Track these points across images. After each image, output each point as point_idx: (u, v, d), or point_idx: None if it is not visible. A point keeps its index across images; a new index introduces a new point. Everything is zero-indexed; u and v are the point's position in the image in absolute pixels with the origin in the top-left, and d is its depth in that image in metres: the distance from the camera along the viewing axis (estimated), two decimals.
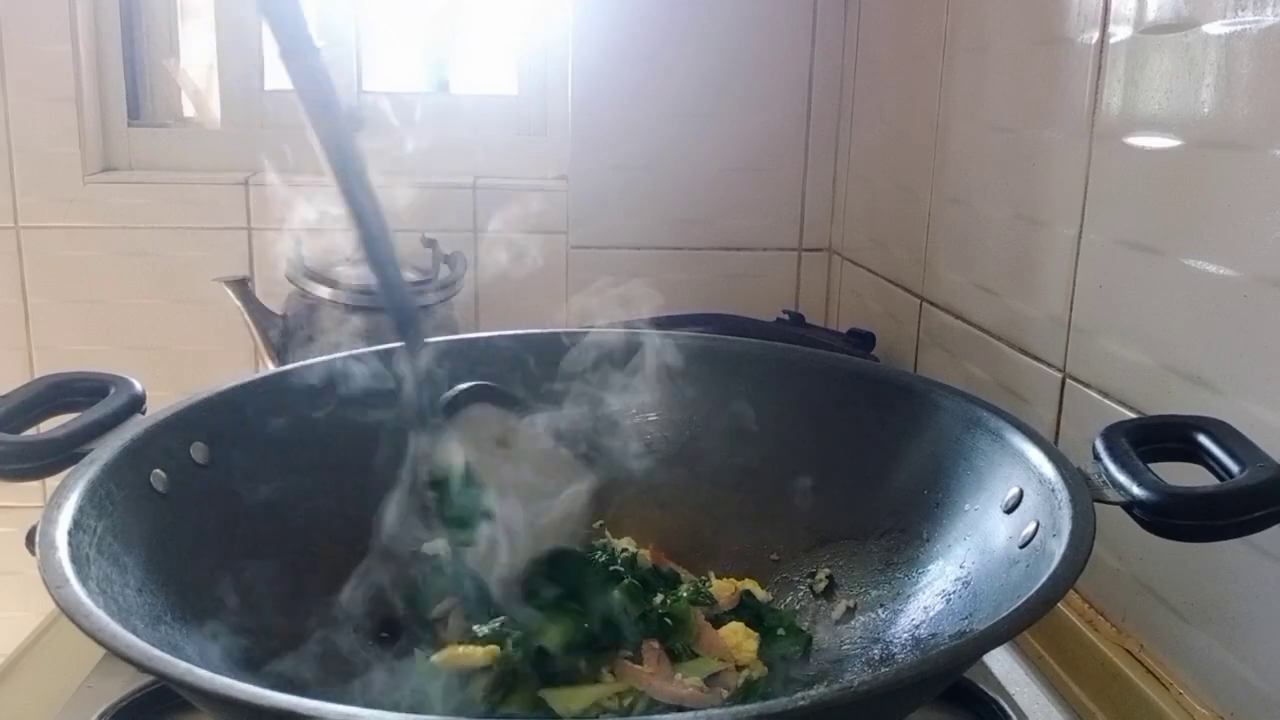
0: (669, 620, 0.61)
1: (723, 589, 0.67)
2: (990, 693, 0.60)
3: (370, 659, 0.61)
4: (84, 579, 0.44)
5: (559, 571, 0.62)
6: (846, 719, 0.39)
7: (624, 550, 0.69)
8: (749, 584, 0.69)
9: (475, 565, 0.59)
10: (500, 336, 0.76)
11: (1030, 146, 0.82)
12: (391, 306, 0.60)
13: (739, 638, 0.62)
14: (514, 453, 0.62)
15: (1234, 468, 0.49)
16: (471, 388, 0.63)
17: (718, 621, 0.64)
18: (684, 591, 0.67)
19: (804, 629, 0.65)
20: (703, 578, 0.70)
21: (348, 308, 1.11)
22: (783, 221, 1.34)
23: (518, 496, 0.61)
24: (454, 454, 0.60)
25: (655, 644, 0.60)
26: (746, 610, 0.66)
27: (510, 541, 0.59)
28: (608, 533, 0.73)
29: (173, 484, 0.56)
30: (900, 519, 0.63)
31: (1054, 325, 0.77)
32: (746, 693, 0.59)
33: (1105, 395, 0.71)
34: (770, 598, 0.68)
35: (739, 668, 0.61)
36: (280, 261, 1.13)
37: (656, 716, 0.54)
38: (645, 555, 0.70)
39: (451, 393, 0.61)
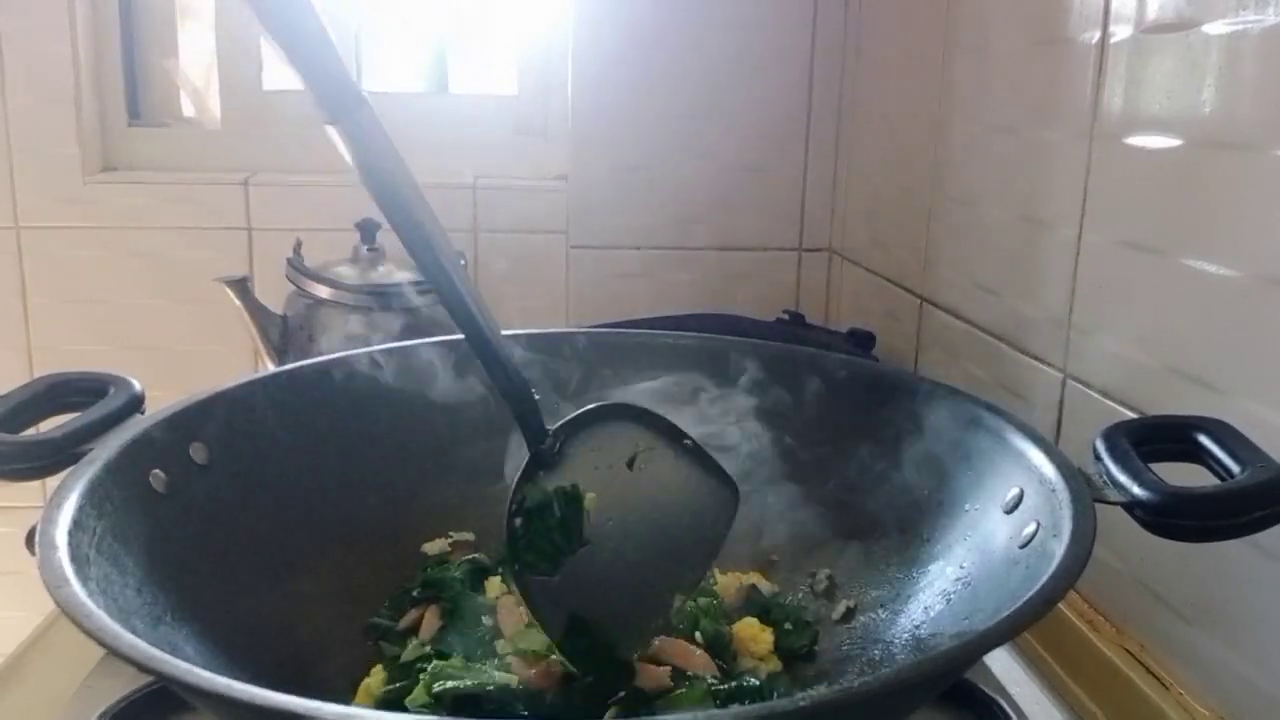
0: (699, 634, 0.61)
1: (728, 585, 0.67)
2: (990, 693, 0.60)
3: (371, 658, 0.61)
4: (84, 579, 0.44)
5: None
6: (847, 719, 0.39)
7: None
8: (754, 578, 0.69)
9: (545, 599, 0.54)
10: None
11: (1030, 146, 0.82)
12: (508, 396, 0.53)
13: (754, 631, 0.63)
14: (644, 476, 0.56)
15: (1234, 468, 0.49)
16: (600, 407, 0.56)
17: (729, 619, 0.64)
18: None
19: (810, 623, 0.65)
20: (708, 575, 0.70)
21: (348, 308, 1.11)
22: (783, 221, 1.34)
23: (636, 525, 0.56)
24: (562, 477, 0.54)
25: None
26: (754, 606, 0.66)
27: (609, 573, 0.55)
28: None
29: (172, 484, 0.56)
30: (900, 519, 0.63)
31: (1054, 325, 0.77)
32: (769, 686, 0.58)
33: (1105, 395, 0.71)
34: (776, 589, 0.68)
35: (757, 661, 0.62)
36: (280, 262, 1.13)
37: (657, 716, 0.54)
38: None
39: (577, 413, 0.55)
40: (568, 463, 0.54)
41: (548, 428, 0.54)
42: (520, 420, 0.53)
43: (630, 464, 0.56)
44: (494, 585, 0.66)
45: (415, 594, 0.66)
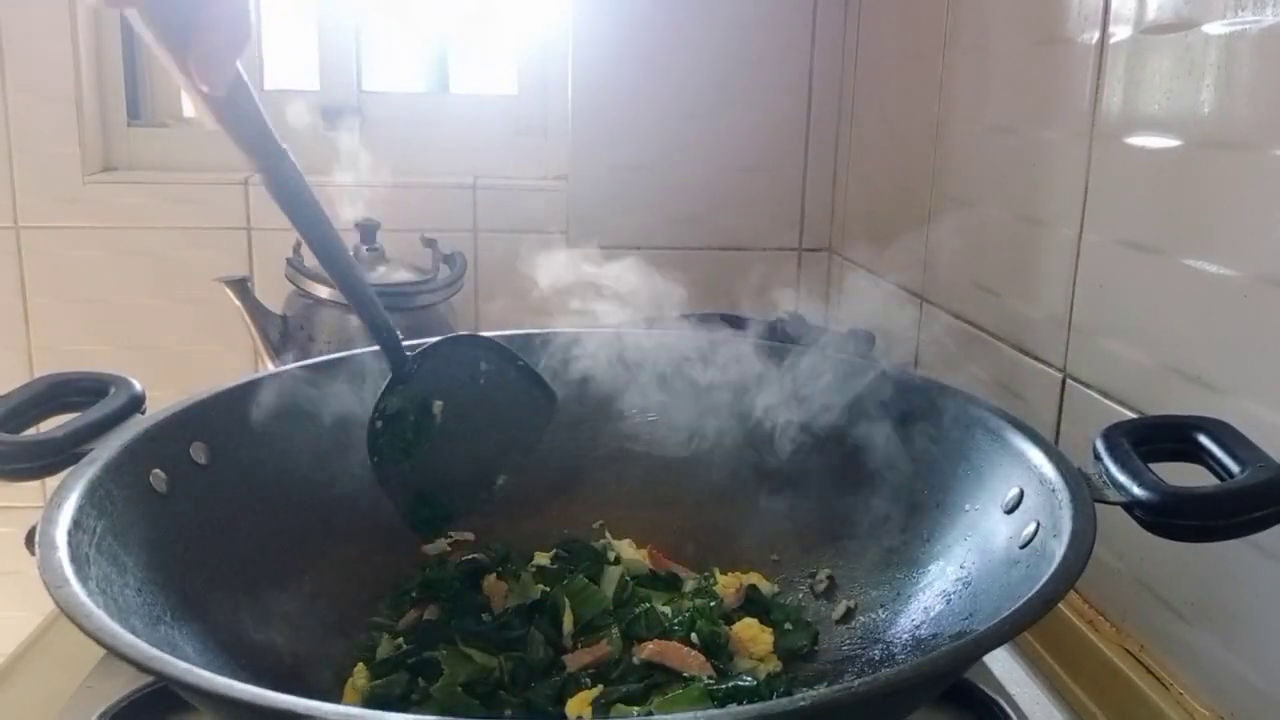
0: (697, 636, 0.62)
1: (727, 585, 0.68)
2: (990, 693, 0.60)
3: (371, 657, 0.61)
4: (84, 579, 0.44)
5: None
6: (847, 719, 0.39)
7: (617, 556, 0.70)
8: (754, 578, 0.69)
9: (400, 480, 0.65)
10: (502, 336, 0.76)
11: (1030, 146, 0.82)
12: (375, 332, 0.64)
13: (753, 632, 0.63)
14: (483, 387, 0.68)
15: (1234, 468, 0.49)
16: (453, 336, 0.69)
17: (729, 619, 0.64)
18: (689, 590, 0.67)
19: (810, 622, 0.65)
20: (706, 574, 0.70)
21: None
22: (783, 221, 1.34)
23: (475, 423, 0.68)
24: (415, 390, 0.66)
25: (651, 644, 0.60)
26: (754, 606, 0.66)
27: (451, 461, 0.67)
28: (608, 534, 0.73)
29: (173, 484, 0.56)
30: (900, 519, 0.63)
31: (1054, 325, 0.77)
32: (768, 686, 0.59)
33: (1105, 395, 0.71)
34: (776, 589, 0.68)
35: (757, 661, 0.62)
36: (280, 262, 1.13)
37: (657, 716, 0.54)
38: (643, 557, 0.71)
39: (430, 342, 0.67)
40: (423, 378, 0.66)
41: (407, 354, 0.65)
42: (384, 345, 0.64)
43: (472, 379, 0.68)
44: (491, 583, 0.66)
45: (413, 594, 0.66)
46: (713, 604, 0.64)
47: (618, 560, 0.69)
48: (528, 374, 0.70)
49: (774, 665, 0.62)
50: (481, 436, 0.68)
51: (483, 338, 0.70)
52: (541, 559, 0.71)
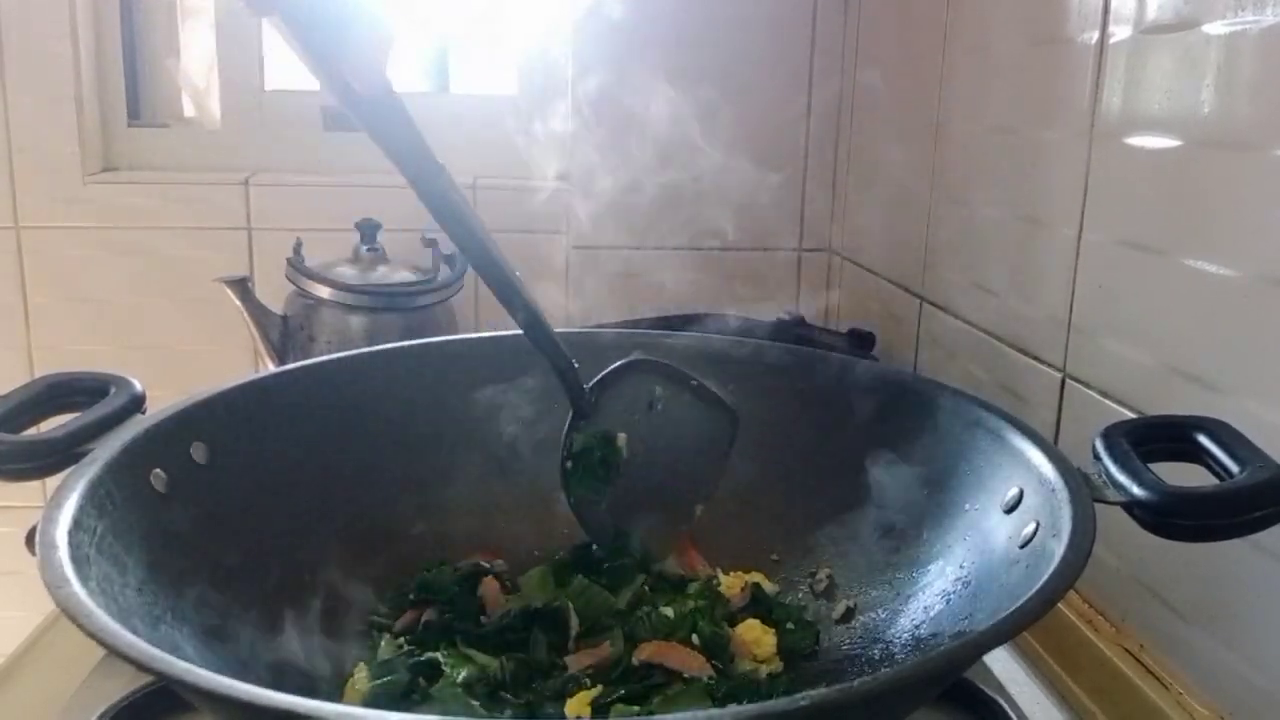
0: (699, 638, 0.61)
1: (731, 585, 0.68)
2: (990, 693, 0.60)
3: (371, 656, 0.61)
4: (84, 579, 0.44)
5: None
6: (846, 719, 0.39)
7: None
8: (757, 577, 0.69)
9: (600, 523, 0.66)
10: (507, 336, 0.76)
11: (1030, 146, 0.82)
12: (556, 365, 0.63)
13: (757, 633, 0.63)
14: (662, 415, 0.67)
15: (1234, 468, 0.49)
16: (624, 365, 0.67)
17: (732, 620, 0.64)
18: (692, 592, 0.67)
19: (812, 622, 0.65)
20: (711, 575, 0.70)
21: (348, 308, 1.11)
22: (783, 221, 1.34)
23: (661, 453, 0.67)
24: (598, 424, 0.66)
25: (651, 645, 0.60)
26: (757, 605, 0.66)
27: (646, 496, 0.66)
28: None
29: (173, 484, 0.56)
30: (900, 519, 0.63)
31: (1054, 325, 0.77)
32: (770, 687, 0.59)
33: (1105, 395, 0.71)
34: (778, 589, 0.68)
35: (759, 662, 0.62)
36: (280, 262, 1.13)
37: (657, 716, 0.54)
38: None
39: (606, 371, 0.66)
40: (601, 413, 0.66)
41: (584, 387, 0.65)
42: (565, 383, 0.64)
43: (650, 406, 0.67)
44: (487, 587, 0.66)
45: (411, 596, 0.66)
46: (716, 605, 0.64)
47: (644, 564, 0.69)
48: (704, 394, 0.68)
49: (776, 666, 0.62)
50: (670, 465, 0.68)
51: (654, 361, 0.68)
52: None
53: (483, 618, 0.64)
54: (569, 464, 0.65)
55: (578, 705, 0.55)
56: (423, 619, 0.63)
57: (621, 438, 0.67)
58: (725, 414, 0.68)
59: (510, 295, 0.61)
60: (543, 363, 0.72)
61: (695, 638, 0.61)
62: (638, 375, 0.67)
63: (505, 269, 0.61)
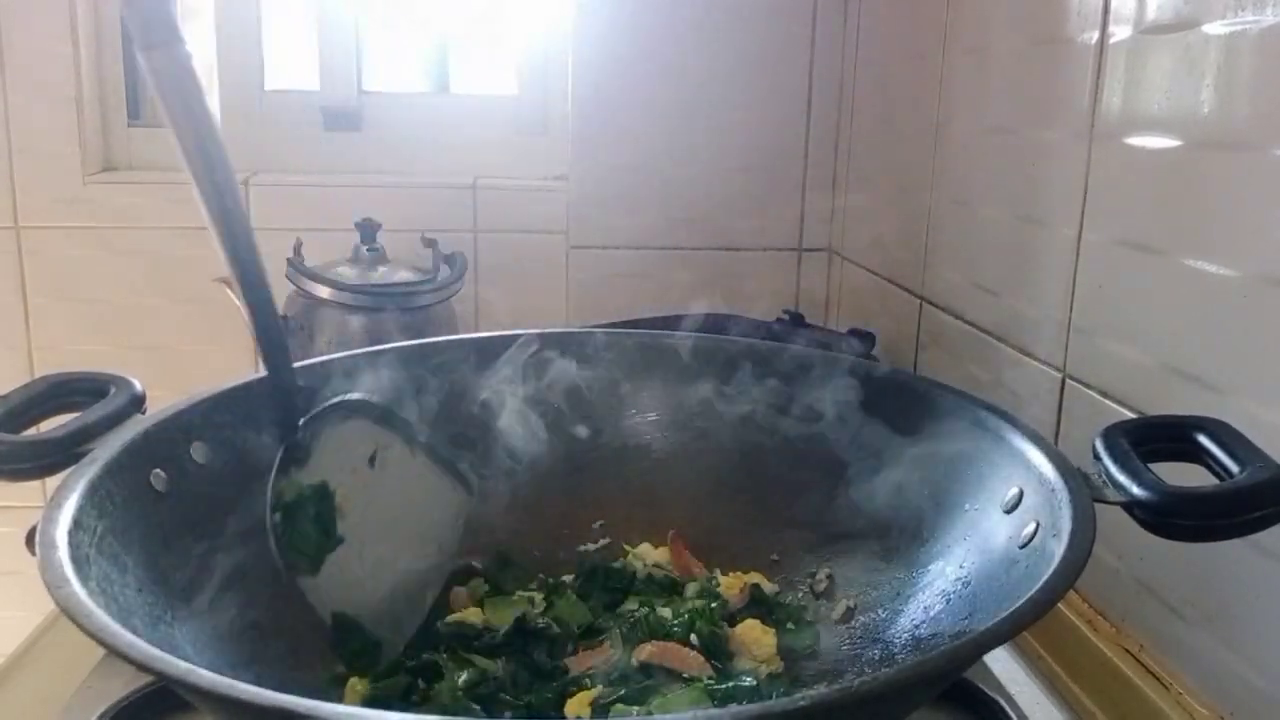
0: (698, 639, 0.62)
1: (730, 585, 0.68)
2: (990, 693, 0.60)
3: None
4: (84, 579, 0.44)
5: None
6: (846, 719, 0.39)
7: (648, 564, 0.70)
8: (755, 577, 0.69)
9: (314, 597, 0.55)
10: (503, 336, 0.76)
11: (1030, 146, 0.82)
12: (261, 334, 0.53)
13: (756, 634, 0.63)
14: (385, 474, 0.57)
15: (1234, 468, 0.49)
16: (342, 402, 0.58)
17: (731, 620, 0.64)
18: (691, 594, 0.67)
19: (812, 622, 0.65)
20: (709, 575, 0.70)
21: (348, 308, 1.11)
22: (783, 221, 1.34)
23: (380, 522, 0.57)
24: (313, 474, 0.55)
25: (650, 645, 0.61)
26: (756, 606, 0.66)
27: (363, 572, 0.56)
28: (625, 545, 0.73)
29: (173, 484, 0.56)
30: (900, 519, 0.63)
31: (1054, 325, 0.77)
32: (769, 687, 0.59)
33: (1105, 395, 0.71)
34: (777, 589, 0.68)
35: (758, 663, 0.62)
36: (280, 261, 1.13)
37: (657, 716, 0.54)
38: (665, 555, 0.71)
39: (321, 406, 0.56)
40: (315, 459, 0.55)
41: (299, 420, 0.55)
42: (278, 408, 0.54)
43: (371, 461, 0.57)
44: (456, 594, 0.66)
45: None
46: (714, 605, 0.64)
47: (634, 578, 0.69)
48: (434, 456, 0.59)
49: (776, 666, 0.62)
50: (393, 538, 0.58)
51: (376, 405, 0.59)
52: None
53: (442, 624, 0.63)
54: (277, 518, 0.53)
55: (577, 706, 0.56)
56: None
57: (340, 492, 0.56)
58: (458, 482, 0.59)
59: (244, 254, 0.50)
60: (546, 364, 0.73)
61: (694, 638, 0.61)
62: (358, 420, 0.57)
63: (243, 218, 0.50)
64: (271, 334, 0.52)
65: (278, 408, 0.54)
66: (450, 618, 0.64)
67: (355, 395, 0.58)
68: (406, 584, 0.59)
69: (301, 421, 0.55)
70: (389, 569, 0.58)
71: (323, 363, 0.68)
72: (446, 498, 0.60)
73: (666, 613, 0.64)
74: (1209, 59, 0.60)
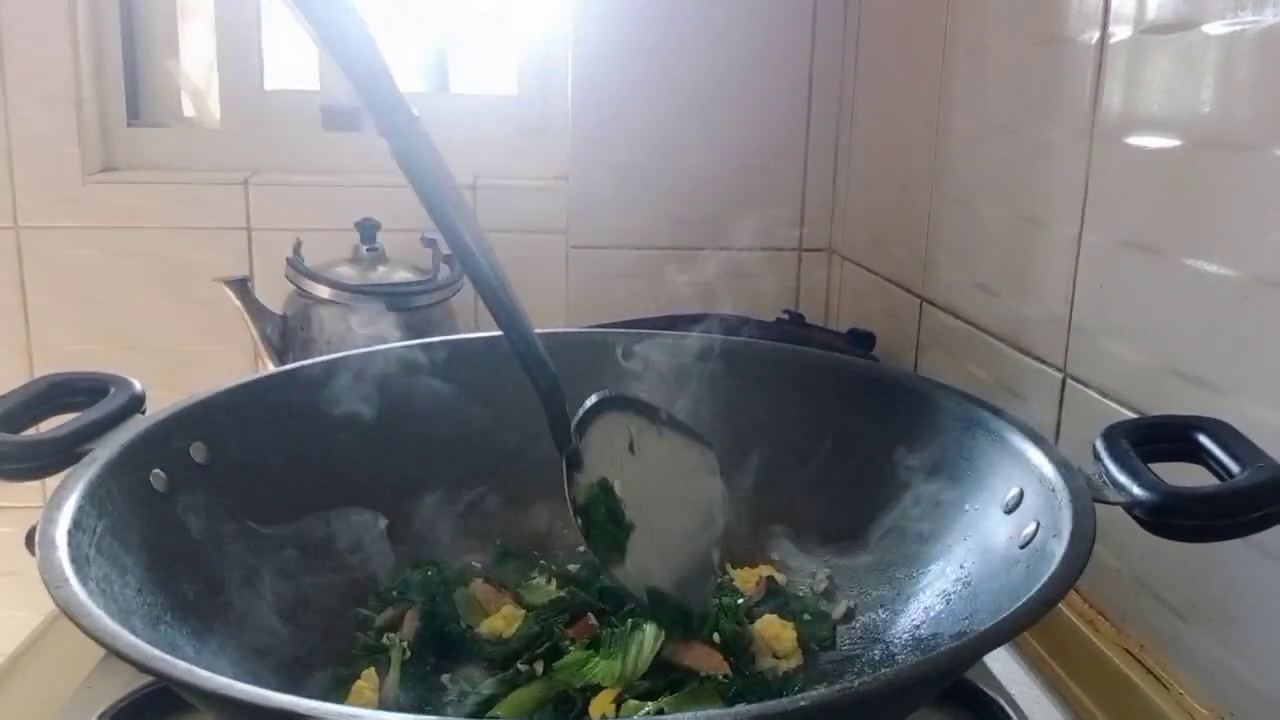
0: (718, 635, 0.61)
1: (745, 579, 0.67)
2: (990, 693, 0.60)
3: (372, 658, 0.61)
4: (84, 579, 0.44)
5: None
6: (847, 719, 0.39)
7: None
8: (767, 569, 0.69)
9: (629, 582, 0.59)
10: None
11: (1030, 146, 0.82)
12: (522, 359, 0.56)
13: (776, 629, 0.63)
14: (645, 456, 0.61)
15: (1234, 468, 0.49)
16: (597, 402, 0.60)
17: (749, 615, 0.64)
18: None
19: (827, 612, 0.65)
20: (721, 570, 0.70)
21: (348, 308, 1.11)
22: (783, 221, 1.34)
23: (656, 500, 0.61)
24: (591, 474, 0.59)
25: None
26: (773, 599, 0.66)
27: (656, 549, 0.60)
28: None
29: (173, 484, 0.56)
30: (900, 519, 0.63)
31: (1054, 325, 0.77)
32: (784, 684, 0.59)
33: (1105, 395, 0.71)
34: (788, 581, 0.68)
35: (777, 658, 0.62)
36: (280, 262, 1.13)
37: (656, 717, 0.54)
38: None
39: (581, 412, 0.59)
40: (589, 461, 0.58)
41: (571, 437, 0.58)
42: (552, 424, 0.57)
43: (631, 448, 0.61)
44: (478, 585, 0.66)
45: (394, 593, 0.66)
46: (739, 601, 0.64)
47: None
48: (677, 426, 0.62)
49: (796, 661, 0.62)
50: (671, 510, 0.61)
51: (621, 397, 0.62)
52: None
53: (471, 627, 0.64)
54: (580, 522, 0.58)
55: (601, 703, 0.55)
56: (406, 624, 0.63)
57: (617, 485, 0.60)
58: (704, 445, 0.63)
59: (494, 289, 0.54)
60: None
61: (716, 636, 0.61)
62: (610, 414, 0.60)
63: (491, 259, 0.54)
64: (531, 360, 0.56)
65: (553, 424, 0.57)
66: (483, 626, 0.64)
67: (601, 393, 0.61)
68: (693, 550, 0.62)
69: (575, 425, 0.58)
70: (676, 540, 0.61)
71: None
72: (699, 462, 0.63)
73: None
74: (1209, 59, 0.60)
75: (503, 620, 0.64)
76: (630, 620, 0.58)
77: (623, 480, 0.60)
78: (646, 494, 0.60)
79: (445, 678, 0.59)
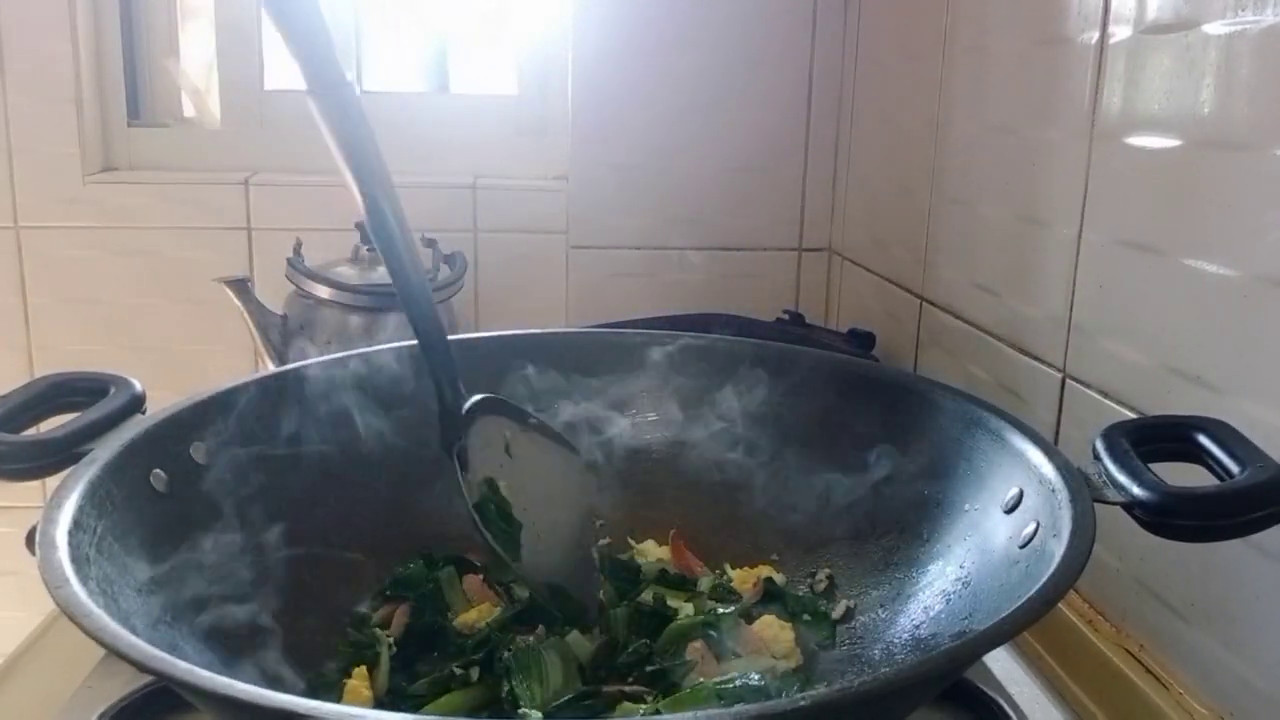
0: (714, 632, 0.61)
1: (743, 579, 0.68)
2: (990, 693, 0.60)
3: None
4: (84, 579, 0.44)
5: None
6: (847, 719, 0.39)
7: (652, 559, 0.70)
8: (766, 569, 0.69)
9: (529, 577, 0.61)
10: (501, 336, 0.76)
11: (1030, 146, 0.82)
12: (432, 364, 0.58)
13: (774, 630, 0.63)
14: (521, 458, 0.63)
15: (1234, 468, 0.49)
16: (472, 405, 0.61)
17: (748, 616, 0.64)
18: (705, 588, 0.67)
19: (825, 612, 0.65)
20: (718, 571, 0.70)
21: (348, 308, 1.11)
22: (783, 221, 1.34)
23: (537, 499, 0.62)
24: (478, 474, 0.60)
25: (698, 644, 0.60)
26: (772, 600, 0.66)
27: (544, 546, 0.61)
28: (630, 540, 0.73)
29: (173, 484, 0.56)
30: (900, 519, 0.63)
31: (1054, 325, 0.77)
32: (784, 684, 0.59)
33: (1105, 395, 0.71)
34: (787, 581, 0.68)
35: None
36: (280, 262, 1.13)
37: (654, 718, 0.54)
38: (667, 552, 0.71)
39: (459, 414, 0.60)
40: (473, 462, 0.60)
41: (459, 433, 0.59)
42: (442, 418, 0.58)
43: (507, 450, 0.62)
44: (471, 581, 0.67)
45: (387, 592, 0.66)
46: (733, 607, 0.64)
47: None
48: (545, 432, 0.64)
49: (795, 661, 0.62)
50: (553, 508, 0.63)
51: (493, 400, 0.63)
52: None
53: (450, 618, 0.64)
54: (477, 519, 0.59)
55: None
56: (396, 621, 0.63)
57: (502, 485, 0.61)
58: (570, 451, 0.65)
59: (407, 273, 0.55)
60: (547, 362, 0.72)
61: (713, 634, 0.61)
62: (485, 417, 0.61)
63: (408, 238, 0.54)
64: (432, 346, 0.57)
65: (445, 423, 0.58)
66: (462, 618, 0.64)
67: (476, 396, 0.61)
68: (577, 547, 0.64)
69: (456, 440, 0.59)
70: (561, 538, 0.63)
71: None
72: (568, 464, 0.65)
73: (688, 609, 0.64)
74: (1209, 59, 0.60)
75: (477, 614, 0.64)
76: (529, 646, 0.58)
77: (507, 481, 0.61)
78: (529, 494, 0.62)
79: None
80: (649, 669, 0.58)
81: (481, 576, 0.67)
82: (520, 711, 0.54)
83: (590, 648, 0.59)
